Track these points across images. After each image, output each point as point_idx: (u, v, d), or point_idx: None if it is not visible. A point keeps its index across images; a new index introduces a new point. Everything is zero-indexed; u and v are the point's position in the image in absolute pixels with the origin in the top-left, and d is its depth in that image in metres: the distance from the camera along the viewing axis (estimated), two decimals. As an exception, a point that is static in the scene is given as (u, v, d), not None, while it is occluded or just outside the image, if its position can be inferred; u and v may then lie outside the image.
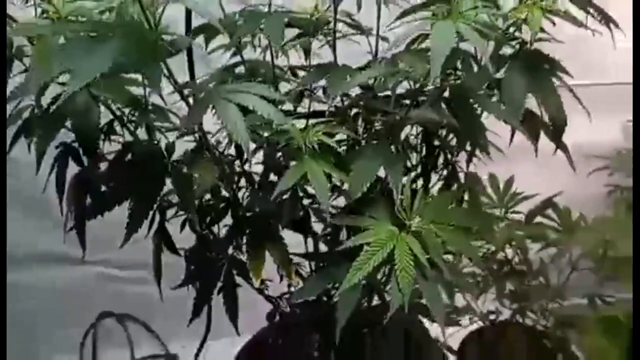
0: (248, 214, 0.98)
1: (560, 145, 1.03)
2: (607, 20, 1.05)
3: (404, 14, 0.94)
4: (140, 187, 0.89)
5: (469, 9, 0.86)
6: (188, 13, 0.98)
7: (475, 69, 1.01)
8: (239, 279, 1.10)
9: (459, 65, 0.98)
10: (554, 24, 0.99)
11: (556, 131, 0.98)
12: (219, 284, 1.06)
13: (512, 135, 1.03)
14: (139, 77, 0.96)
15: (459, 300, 1.81)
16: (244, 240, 0.97)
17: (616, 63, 1.99)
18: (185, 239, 1.12)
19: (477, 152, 1.09)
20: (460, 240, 0.84)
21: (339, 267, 0.87)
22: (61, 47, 0.79)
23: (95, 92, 0.93)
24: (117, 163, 0.94)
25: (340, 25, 1.07)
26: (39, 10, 0.93)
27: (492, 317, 1.84)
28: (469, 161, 1.13)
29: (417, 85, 0.90)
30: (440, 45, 0.76)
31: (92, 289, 2.09)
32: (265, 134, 0.90)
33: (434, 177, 1.14)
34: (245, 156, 0.97)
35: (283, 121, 0.84)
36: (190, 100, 0.91)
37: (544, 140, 1.94)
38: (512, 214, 1.74)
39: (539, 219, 1.74)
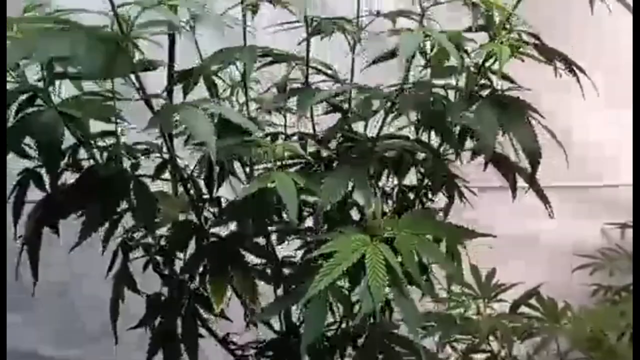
0: (213, 240, 0.92)
1: (533, 181, 0.99)
2: (573, 70, 1.05)
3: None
4: (98, 195, 0.84)
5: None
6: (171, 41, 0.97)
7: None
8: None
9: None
10: (522, 60, 1.00)
11: (532, 161, 0.95)
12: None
13: (485, 167, 0.99)
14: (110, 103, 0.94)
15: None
16: (207, 267, 0.89)
17: (597, 167, 2.03)
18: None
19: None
20: (433, 250, 0.78)
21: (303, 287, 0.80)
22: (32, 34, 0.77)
23: (65, 110, 0.90)
24: (79, 179, 0.89)
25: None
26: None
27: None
28: (447, 209, 1.09)
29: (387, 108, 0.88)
30: (406, 46, 0.75)
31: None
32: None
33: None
34: (212, 176, 0.92)
35: (254, 129, 0.81)
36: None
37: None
38: (495, 302, 1.66)
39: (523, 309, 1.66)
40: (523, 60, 1.00)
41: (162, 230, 1.04)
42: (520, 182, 1.11)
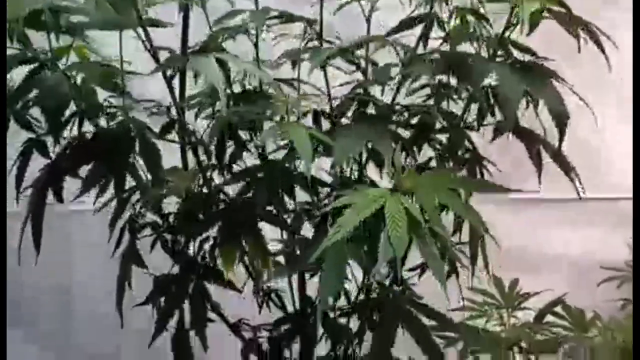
0: (222, 206, 0.87)
1: (559, 150, 0.94)
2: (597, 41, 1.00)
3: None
4: (102, 154, 0.80)
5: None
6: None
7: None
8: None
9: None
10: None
11: (559, 123, 0.90)
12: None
13: (497, 133, 0.93)
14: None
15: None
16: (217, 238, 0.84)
17: (625, 179, 1.97)
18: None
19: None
20: (457, 203, 0.73)
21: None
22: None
23: (67, 73, 0.87)
24: (86, 141, 0.85)
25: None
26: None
27: None
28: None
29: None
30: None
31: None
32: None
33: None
34: (224, 141, 0.88)
35: (268, 79, 0.77)
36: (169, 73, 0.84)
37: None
38: (519, 311, 1.58)
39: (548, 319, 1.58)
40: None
41: (170, 208, 0.99)
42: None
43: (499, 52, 0.98)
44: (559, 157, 0.98)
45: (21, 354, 1.80)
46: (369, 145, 0.82)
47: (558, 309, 1.61)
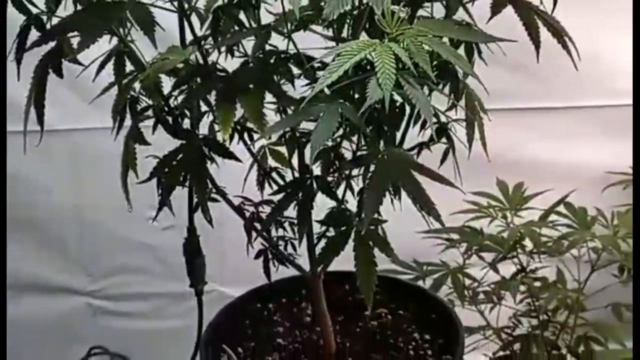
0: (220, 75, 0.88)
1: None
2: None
3: None
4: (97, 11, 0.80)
5: None
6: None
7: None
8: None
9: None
10: None
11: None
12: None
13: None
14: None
15: (471, 317, 1.63)
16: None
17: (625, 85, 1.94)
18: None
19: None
20: (448, 50, 0.73)
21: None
22: None
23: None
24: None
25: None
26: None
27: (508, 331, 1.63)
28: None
29: None
30: None
31: (80, 322, 1.94)
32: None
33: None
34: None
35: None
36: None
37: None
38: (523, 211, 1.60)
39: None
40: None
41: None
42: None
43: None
44: (553, 28, 0.97)
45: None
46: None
47: (561, 208, 1.62)
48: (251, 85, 0.85)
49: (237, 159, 0.94)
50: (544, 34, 0.98)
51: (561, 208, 1.60)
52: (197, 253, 1.34)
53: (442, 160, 1.04)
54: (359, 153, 0.88)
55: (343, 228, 0.88)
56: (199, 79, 0.89)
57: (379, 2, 0.77)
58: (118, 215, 1.56)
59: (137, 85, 0.98)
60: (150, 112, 1.00)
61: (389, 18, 0.75)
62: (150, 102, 1.00)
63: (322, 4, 0.83)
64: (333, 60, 0.73)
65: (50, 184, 1.85)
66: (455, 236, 1.60)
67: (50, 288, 1.92)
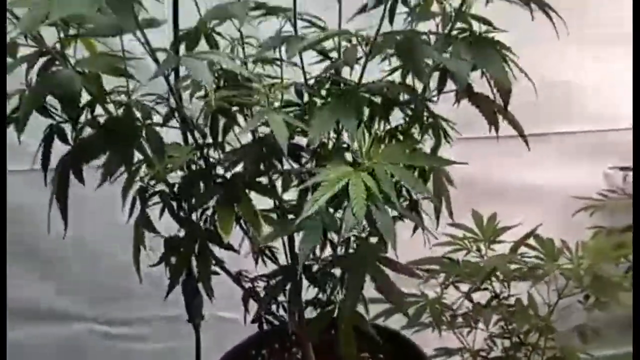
0: (219, 180, 1.06)
1: (508, 118, 1.12)
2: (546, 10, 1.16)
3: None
4: (115, 142, 0.98)
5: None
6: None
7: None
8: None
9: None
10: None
11: (504, 95, 1.08)
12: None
13: (457, 100, 1.11)
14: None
15: (451, 340, 1.84)
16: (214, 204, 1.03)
17: (598, 111, 2.13)
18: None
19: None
20: (405, 174, 0.92)
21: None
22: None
23: (79, 69, 1.04)
24: (99, 128, 1.03)
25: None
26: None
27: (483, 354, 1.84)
28: (434, 149, 1.21)
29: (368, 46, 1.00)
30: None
31: (84, 347, 2.11)
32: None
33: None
34: (215, 123, 1.07)
35: (248, 74, 0.95)
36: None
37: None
38: (497, 245, 1.79)
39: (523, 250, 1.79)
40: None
41: (175, 179, 1.18)
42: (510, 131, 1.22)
43: (458, 25, 1.14)
44: (510, 120, 1.16)
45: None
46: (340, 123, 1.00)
47: (531, 240, 1.82)
48: (247, 190, 1.04)
49: (235, 251, 1.12)
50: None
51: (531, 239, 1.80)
52: (195, 293, 1.53)
53: (413, 232, 1.23)
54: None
55: (328, 308, 1.08)
56: (201, 183, 1.07)
57: (353, 129, 0.95)
58: (118, 244, 1.73)
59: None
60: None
61: (361, 147, 0.94)
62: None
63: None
64: (316, 186, 0.91)
65: (52, 214, 2.01)
66: (434, 266, 1.80)
67: (52, 315, 2.05)
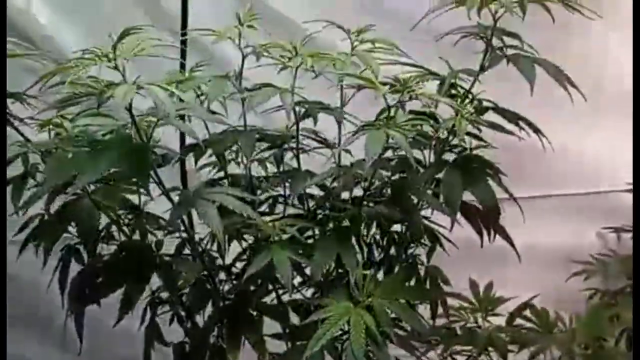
0: (227, 303, 1.17)
1: (498, 230, 1.23)
2: (535, 130, 1.28)
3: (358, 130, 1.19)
4: (132, 276, 1.09)
5: (405, 120, 1.10)
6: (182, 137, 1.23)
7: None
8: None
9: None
10: (479, 130, 1.23)
11: (492, 218, 1.19)
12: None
13: (452, 225, 1.23)
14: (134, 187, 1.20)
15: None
16: (223, 328, 1.14)
17: (591, 173, 2.23)
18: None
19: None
20: (407, 313, 1.03)
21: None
22: (69, 159, 1.02)
23: (96, 199, 1.16)
24: (113, 258, 1.14)
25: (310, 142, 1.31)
26: (53, 133, 1.17)
27: None
28: (429, 255, 1.33)
29: (367, 184, 1.12)
30: (372, 147, 0.99)
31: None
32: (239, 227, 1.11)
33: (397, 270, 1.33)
34: (223, 251, 1.18)
35: (253, 216, 1.06)
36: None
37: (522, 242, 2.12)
38: (492, 316, 1.89)
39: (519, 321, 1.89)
40: (480, 131, 1.23)
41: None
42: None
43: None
44: (500, 232, 1.27)
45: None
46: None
47: (526, 311, 1.92)
48: (254, 313, 1.15)
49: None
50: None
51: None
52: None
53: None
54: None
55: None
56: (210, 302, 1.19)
57: (352, 265, 1.07)
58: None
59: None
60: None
61: (360, 284, 1.05)
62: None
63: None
64: (320, 321, 1.02)
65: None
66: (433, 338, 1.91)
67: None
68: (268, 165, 1.31)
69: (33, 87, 1.08)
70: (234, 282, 1.22)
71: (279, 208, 1.31)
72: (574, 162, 2.23)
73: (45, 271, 1.20)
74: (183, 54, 1.45)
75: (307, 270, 1.16)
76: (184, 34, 1.51)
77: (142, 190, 1.15)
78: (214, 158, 1.32)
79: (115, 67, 1.01)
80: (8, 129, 1.17)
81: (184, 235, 1.19)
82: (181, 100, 1.08)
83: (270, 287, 1.20)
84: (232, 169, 1.36)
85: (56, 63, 1.65)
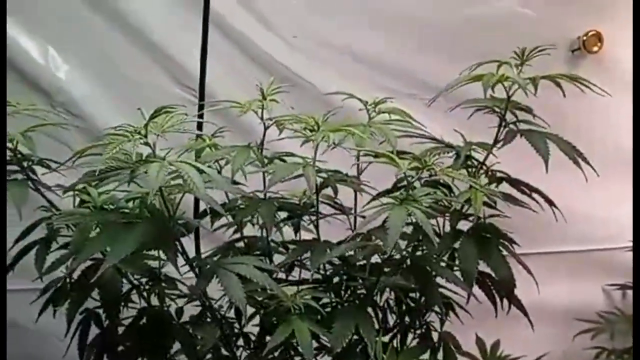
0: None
1: (512, 300, 1.30)
2: (548, 201, 1.35)
3: (374, 198, 1.26)
4: (152, 347, 1.15)
5: (423, 194, 1.17)
6: (196, 200, 1.29)
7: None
8: None
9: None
10: (495, 202, 1.30)
11: (507, 289, 1.26)
12: None
13: (468, 298, 1.29)
14: (155, 252, 1.26)
15: None
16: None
17: (595, 231, 2.30)
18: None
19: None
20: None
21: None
22: (97, 234, 1.08)
23: (119, 266, 1.22)
24: (133, 325, 1.20)
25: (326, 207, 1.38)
26: (77, 199, 1.24)
27: None
28: (442, 321, 1.39)
29: (386, 256, 1.18)
30: (395, 224, 1.06)
31: None
32: (260, 299, 1.17)
33: (411, 336, 1.39)
34: (243, 320, 1.23)
35: (275, 288, 1.12)
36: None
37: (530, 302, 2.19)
38: (501, 376, 1.95)
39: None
40: (495, 203, 1.31)
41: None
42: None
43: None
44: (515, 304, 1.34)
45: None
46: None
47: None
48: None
49: None
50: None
51: None
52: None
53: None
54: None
55: None
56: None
57: (370, 336, 1.13)
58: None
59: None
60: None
61: (379, 355, 1.11)
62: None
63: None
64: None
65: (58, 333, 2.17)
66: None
67: None
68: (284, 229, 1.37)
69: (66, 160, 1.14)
70: (251, 349, 1.27)
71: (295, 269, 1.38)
72: (577, 220, 2.30)
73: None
74: (200, 113, 1.52)
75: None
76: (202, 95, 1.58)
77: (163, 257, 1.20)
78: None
79: (146, 143, 1.07)
80: (32, 192, 1.23)
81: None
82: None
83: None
84: (248, 229, 1.43)
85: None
